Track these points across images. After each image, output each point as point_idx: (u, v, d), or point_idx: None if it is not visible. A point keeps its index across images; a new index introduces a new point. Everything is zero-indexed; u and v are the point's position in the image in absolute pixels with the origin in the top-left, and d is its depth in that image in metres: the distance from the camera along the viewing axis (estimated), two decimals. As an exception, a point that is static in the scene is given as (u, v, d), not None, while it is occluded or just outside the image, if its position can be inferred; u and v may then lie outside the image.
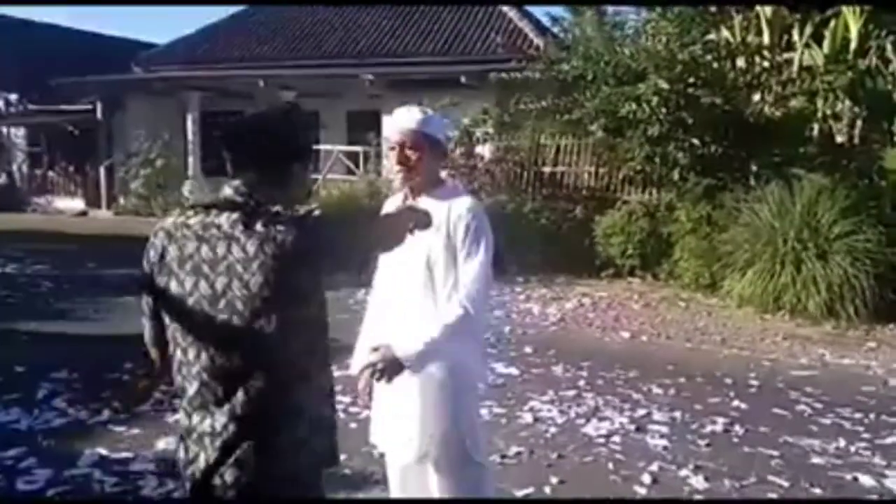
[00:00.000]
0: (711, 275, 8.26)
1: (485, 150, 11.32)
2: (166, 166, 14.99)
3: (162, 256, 1.61)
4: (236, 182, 1.63)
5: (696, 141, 9.06)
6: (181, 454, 1.61)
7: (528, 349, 6.09)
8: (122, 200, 16.10)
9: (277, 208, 1.58)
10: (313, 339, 1.59)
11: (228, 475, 1.54)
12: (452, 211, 2.31)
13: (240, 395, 1.53)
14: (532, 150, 10.95)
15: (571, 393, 4.97)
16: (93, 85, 16.14)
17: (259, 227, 1.55)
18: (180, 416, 1.62)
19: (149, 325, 1.67)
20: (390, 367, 2.18)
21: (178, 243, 1.60)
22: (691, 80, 8.95)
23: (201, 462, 1.56)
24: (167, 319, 1.61)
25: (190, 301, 1.57)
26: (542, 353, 5.96)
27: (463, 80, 12.72)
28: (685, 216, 8.85)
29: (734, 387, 5.21)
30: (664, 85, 8.76)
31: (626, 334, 6.74)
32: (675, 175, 9.29)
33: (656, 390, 5.08)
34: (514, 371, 5.41)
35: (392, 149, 2.36)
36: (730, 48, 9.50)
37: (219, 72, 15.30)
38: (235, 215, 1.58)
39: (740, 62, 9.60)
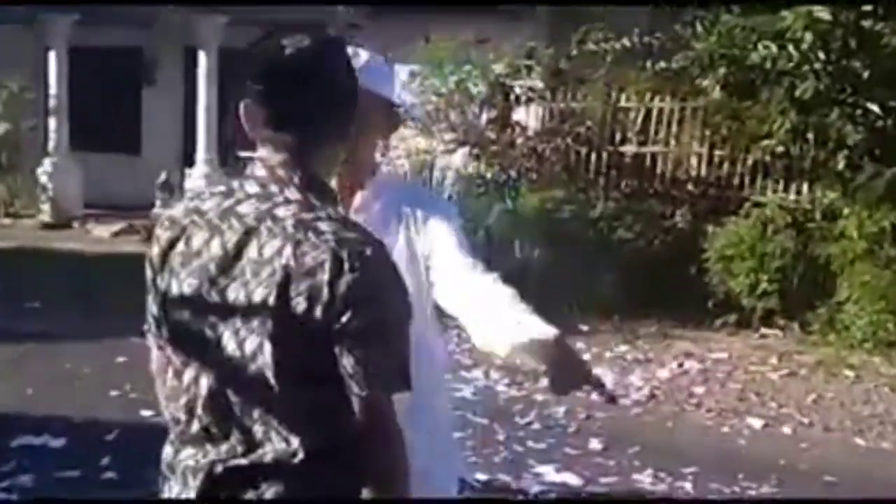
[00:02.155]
0: (899, 326, 8.21)
1: (529, 117, 11.34)
2: (13, 134, 15.07)
3: (165, 252, 1.90)
4: (278, 156, 1.88)
5: (874, 106, 8.99)
6: (164, 493, 1.95)
7: (595, 443, 6.07)
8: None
9: (323, 209, 1.84)
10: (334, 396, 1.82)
11: None
12: (420, 203, 2.53)
13: (237, 435, 1.84)
14: (605, 117, 10.95)
15: (666, 518, 4.97)
16: None
17: (290, 224, 1.79)
18: (165, 450, 1.95)
19: (155, 346, 2.00)
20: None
21: (187, 234, 1.88)
22: (867, 6, 8.90)
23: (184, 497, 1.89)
24: (165, 332, 1.94)
25: (191, 310, 1.87)
26: (617, 449, 5.95)
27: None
28: (856, 229, 8.78)
29: (937, 513, 5.16)
30: (824, 14, 8.70)
31: (756, 422, 6.70)
32: (840, 161, 9.22)
33: (807, 517, 5.06)
34: (571, 479, 5.41)
35: None
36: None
37: (102, -17, 15.41)
38: (265, 205, 1.83)
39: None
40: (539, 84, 11.25)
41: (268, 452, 1.82)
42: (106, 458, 5.40)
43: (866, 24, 8.86)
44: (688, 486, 5.42)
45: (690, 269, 9.48)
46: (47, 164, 14.92)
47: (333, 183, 2.43)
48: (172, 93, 15.91)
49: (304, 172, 1.88)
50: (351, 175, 2.45)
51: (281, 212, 1.82)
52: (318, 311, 1.76)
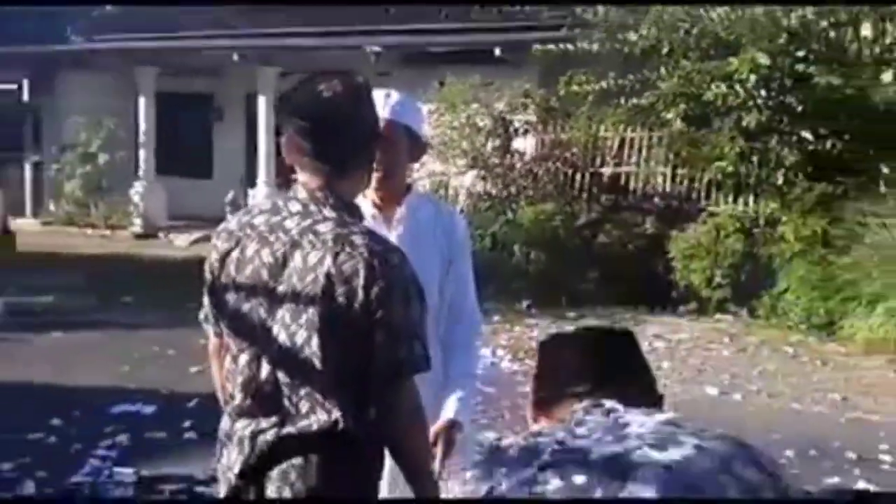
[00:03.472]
0: (828, 311, 8.18)
1: (526, 145, 11.34)
2: (111, 163, 15.13)
3: (223, 258, 1.90)
4: (316, 181, 1.87)
5: (806, 134, 8.99)
6: (221, 459, 1.92)
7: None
8: (52, 206, 16.27)
9: (355, 225, 1.85)
10: (369, 379, 1.82)
11: (270, 488, 1.82)
12: (448, 221, 2.57)
13: (286, 409, 1.83)
14: (588, 145, 10.94)
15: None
16: (18, 57, 16.32)
17: (329, 238, 1.80)
18: (223, 421, 1.94)
19: (212, 333, 2.02)
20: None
21: (241, 244, 1.88)
22: (800, 53, 8.90)
23: (237, 466, 1.85)
24: (223, 324, 1.94)
25: (246, 306, 1.87)
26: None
27: (497, 52, 12.72)
28: (792, 233, 8.78)
29: (860, 463, 5.12)
30: (764, 60, 8.71)
31: (712, 391, 6.70)
32: (779, 178, 9.23)
33: (754, 466, 5.00)
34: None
35: None
36: (852, 12, 9.44)
37: (181, 42, 15.49)
38: (306, 222, 1.83)
39: (866, 30, 9.52)
40: (533, 118, 11.26)
41: (313, 423, 1.81)
42: (188, 421, 5.46)
43: (800, 67, 8.89)
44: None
45: (658, 267, 9.49)
46: (138, 185, 15.01)
47: (372, 199, 2.47)
48: (237, 129, 15.95)
49: (336, 195, 1.88)
50: (390, 192, 2.47)
51: (321, 227, 1.82)
52: (356, 310, 1.78)
